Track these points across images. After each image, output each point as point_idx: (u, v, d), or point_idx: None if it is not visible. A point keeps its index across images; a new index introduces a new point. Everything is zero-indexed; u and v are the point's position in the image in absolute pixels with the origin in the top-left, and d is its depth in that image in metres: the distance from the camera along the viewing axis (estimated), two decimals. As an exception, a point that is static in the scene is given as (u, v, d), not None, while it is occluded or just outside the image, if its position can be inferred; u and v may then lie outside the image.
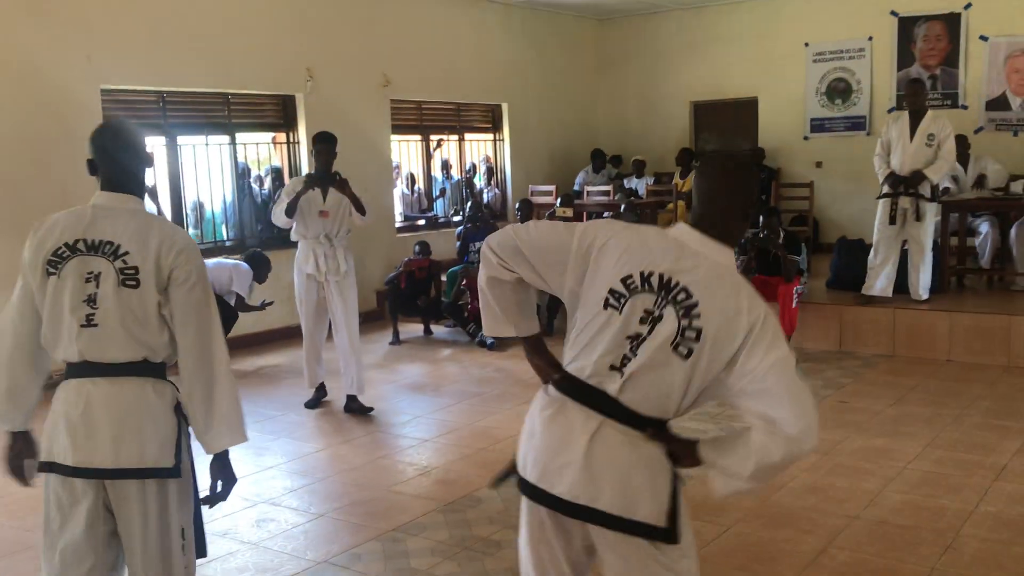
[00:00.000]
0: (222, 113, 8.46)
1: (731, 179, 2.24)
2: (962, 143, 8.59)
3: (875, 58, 10.88)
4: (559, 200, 9.21)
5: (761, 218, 7.55)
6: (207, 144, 8.31)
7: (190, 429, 2.59)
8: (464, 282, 8.51)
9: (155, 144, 7.83)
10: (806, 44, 11.26)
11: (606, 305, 2.17)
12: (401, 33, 9.90)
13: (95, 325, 2.46)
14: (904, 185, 7.28)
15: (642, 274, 2.15)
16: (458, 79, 10.70)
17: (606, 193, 10.40)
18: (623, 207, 9.22)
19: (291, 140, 9.01)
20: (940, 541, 3.92)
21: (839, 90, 11.14)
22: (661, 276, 2.13)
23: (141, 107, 7.90)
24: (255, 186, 9.17)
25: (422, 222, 10.54)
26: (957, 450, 5.09)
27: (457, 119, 11.10)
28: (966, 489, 4.49)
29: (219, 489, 2.62)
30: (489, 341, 8.14)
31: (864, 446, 5.22)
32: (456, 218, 10.83)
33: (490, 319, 2.43)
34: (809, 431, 2.02)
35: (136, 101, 7.87)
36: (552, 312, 8.24)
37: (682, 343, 2.09)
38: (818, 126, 11.21)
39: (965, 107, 10.39)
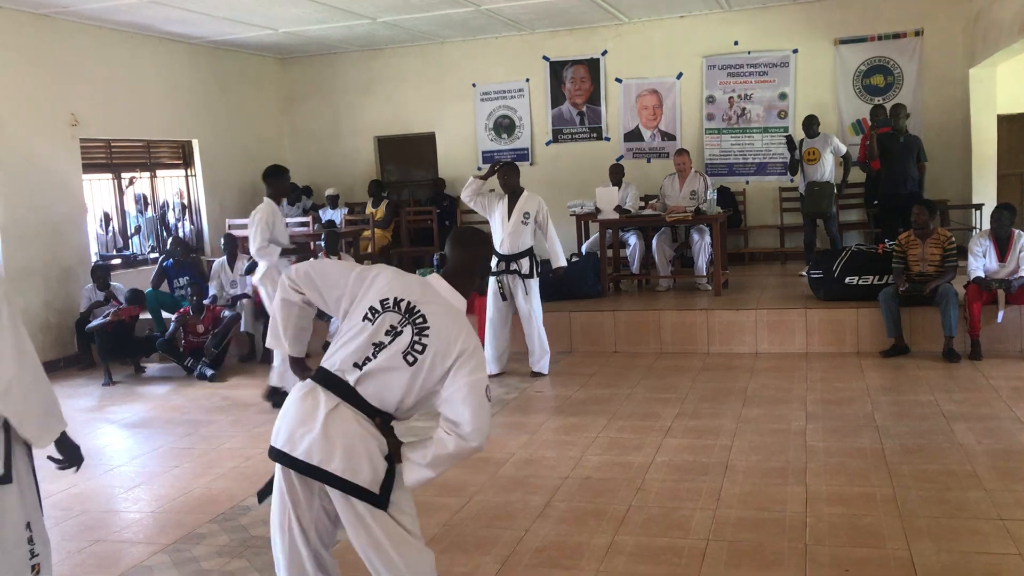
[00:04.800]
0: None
1: (466, 245, 3.05)
2: (618, 170, 10.28)
3: (533, 97, 12.44)
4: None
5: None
6: None
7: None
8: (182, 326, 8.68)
9: None
10: (474, 84, 12.59)
11: (364, 318, 2.85)
12: (88, 73, 9.84)
13: None
14: (506, 263, 7.51)
15: (395, 299, 2.85)
16: (148, 116, 10.75)
17: (305, 224, 10.95)
18: (323, 237, 9.82)
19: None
20: (632, 486, 5.02)
21: (504, 125, 12.58)
22: (408, 303, 2.85)
23: None
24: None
25: (118, 261, 10.42)
26: (633, 419, 6.34)
27: (148, 156, 11.10)
28: (644, 446, 5.70)
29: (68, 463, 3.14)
30: (209, 373, 8.38)
31: (563, 424, 6.33)
32: (153, 255, 10.81)
33: (272, 334, 3.13)
34: (478, 433, 2.76)
35: None
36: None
37: (410, 352, 2.79)
38: (489, 158, 12.47)
39: (608, 139, 12.23)
